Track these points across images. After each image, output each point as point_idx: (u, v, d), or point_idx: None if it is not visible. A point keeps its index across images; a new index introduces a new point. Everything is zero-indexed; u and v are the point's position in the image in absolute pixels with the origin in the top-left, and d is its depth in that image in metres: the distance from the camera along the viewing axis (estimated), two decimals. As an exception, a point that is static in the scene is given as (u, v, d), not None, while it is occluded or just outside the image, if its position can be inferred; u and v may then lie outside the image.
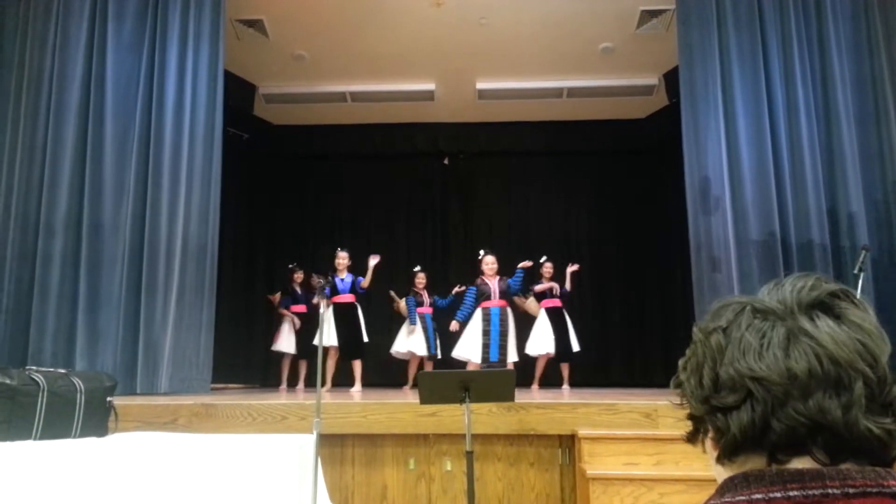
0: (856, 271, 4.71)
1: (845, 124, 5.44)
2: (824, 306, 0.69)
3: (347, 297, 6.93)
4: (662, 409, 4.00)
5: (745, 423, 0.66)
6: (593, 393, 5.84)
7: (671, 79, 7.63)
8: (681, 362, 0.78)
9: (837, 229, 5.36)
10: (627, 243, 9.49)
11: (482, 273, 6.94)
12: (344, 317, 6.86)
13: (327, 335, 6.73)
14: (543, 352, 7.28)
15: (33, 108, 5.59)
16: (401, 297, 7.79)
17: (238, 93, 8.29)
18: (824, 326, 0.67)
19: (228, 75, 6.75)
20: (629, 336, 9.41)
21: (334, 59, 7.94)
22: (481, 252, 7.11)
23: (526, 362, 7.17)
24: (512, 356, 6.77)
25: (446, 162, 9.92)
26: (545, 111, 9.02)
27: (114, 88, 5.66)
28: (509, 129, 9.42)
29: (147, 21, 5.82)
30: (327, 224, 9.86)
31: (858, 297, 0.72)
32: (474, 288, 6.93)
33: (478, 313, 6.77)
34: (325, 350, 6.68)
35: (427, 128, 9.53)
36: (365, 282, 6.93)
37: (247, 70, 8.21)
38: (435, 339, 7.60)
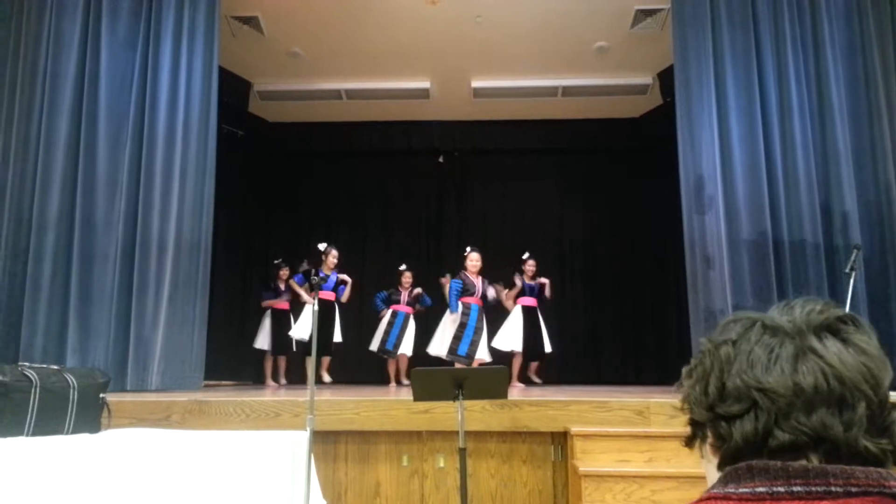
0: (847, 270, 4.73)
1: (839, 123, 5.46)
2: (832, 329, 0.71)
3: (330, 295, 6.97)
4: (654, 407, 4.02)
5: (749, 432, 0.68)
6: (586, 390, 5.85)
7: (665, 78, 7.65)
8: (685, 370, 0.80)
9: (830, 228, 5.38)
10: (621, 241, 9.52)
11: (465, 269, 6.98)
12: (322, 314, 6.87)
13: (304, 330, 6.76)
14: (509, 349, 7.23)
15: (27, 105, 5.57)
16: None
17: (233, 90, 8.28)
18: (832, 347, 0.69)
19: (223, 72, 6.74)
20: (622, 334, 9.44)
21: (330, 57, 7.94)
22: (468, 248, 7.14)
23: (496, 358, 7.13)
24: (483, 355, 6.79)
25: (441, 160, 9.92)
26: (540, 110, 9.03)
27: (108, 85, 5.64)
28: (504, 128, 9.43)
29: (141, 18, 5.81)
30: (322, 221, 9.86)
31: (864, 323, 0.73)
32: (459, 281, 6.93)
33: (458, 307, 6.79)
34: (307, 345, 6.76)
35: (422, 126, 9.53)
36: (345, 297, 7.19)
37: (242, 67, 8.20)
38: (400, 338, 7.59)
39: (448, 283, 7.19)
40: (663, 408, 3.99)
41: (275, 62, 8.07)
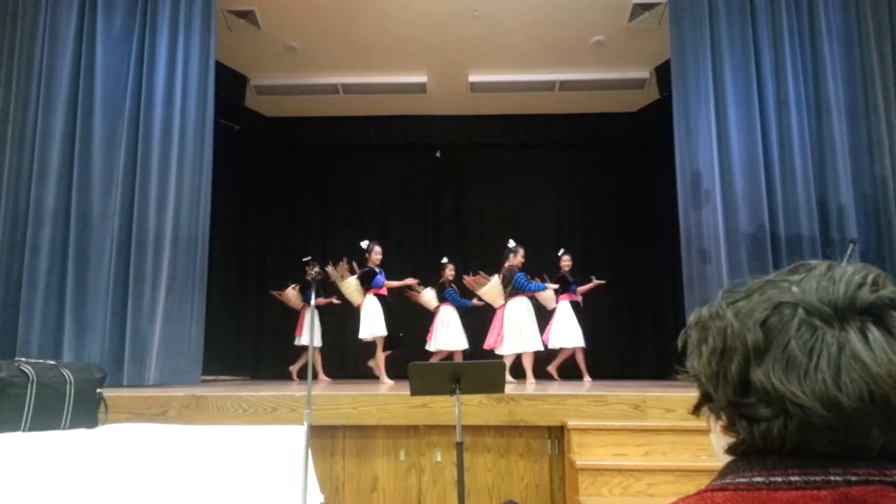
0: (843, 264, 4.74)
1: (835, 118, 5.47)
2: (877, 316, 0.62)
3: (383, 291, 6.82)
4: (651, 401, 4.03)
5: (774, 438, 0.62)
6: (582, 384, 5.87)
7: (663, 72, 7.64)
8: (694, 320, 0.72)
9: (827, 222, 5.40)
10: (618, 236, 9.52)
11: (513, 263, 6.83)
12: (385, 309, 6.74)
13: (379, 326, 6.55)
14: (573, 345, 7.23)
15: (23, 99, 5.55)
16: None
17: (229, 84, 8.25)
18: (878, 349, 0.60)
19: (219, 66, 6.72)
20: (619, 328, 9.44)
21: (326, 51, 7.91)
22: (513, 243, 6.98)
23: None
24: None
25: (438, 154, 9.91)
26: (537, 104, 9.02)
27: (103, 79, 5.63)
28: (501, 122, 9.42)
29: (137, 12, 5.79)
30: (319, 216, 9.85)
31: None
32: (523, 274, 6.78)
33: (528, 303, 6.68)
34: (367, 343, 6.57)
35: (419, 120, 9.51)
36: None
37: (238, 61, 8.17)
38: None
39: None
40: (660, 402, 4.00)
41: (271, 56, 8.04)
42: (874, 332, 0.61)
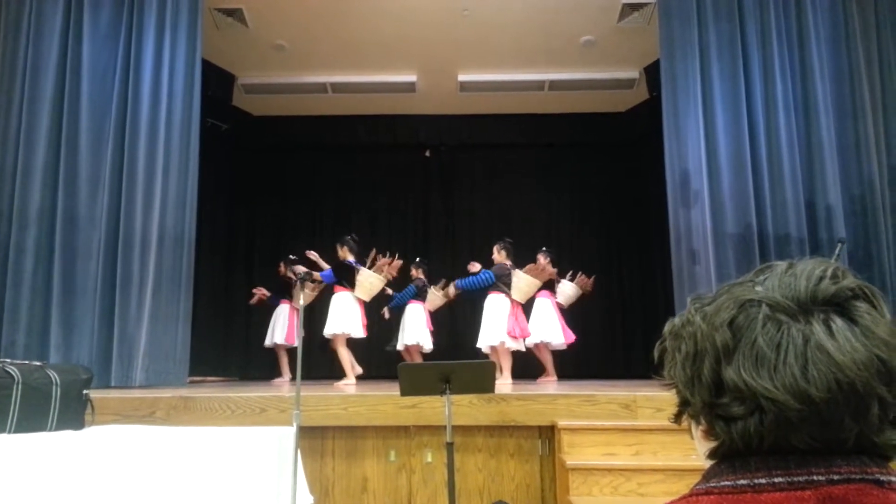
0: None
1: (823, 117, 5.50)
2: (840, 307, 0.63)
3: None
4: (641, 400, 4.03)
5: (751, 436, 0.63)
6: (573, 384, 5.87)
7: (652, 72, 7.67)
8: (669, 329, 0.74)
9: (815, 222, 5.42)
10: (608, 236, 9.55)
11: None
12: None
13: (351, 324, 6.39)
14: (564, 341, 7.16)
15: (7, 97, 5.48)
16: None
17: (217, 83, 8.20)
18: (842, 338, 0.61)
19: (207, 65, 6.67)
20: (609, 328, 9.46)
21: (315, 50, 7.88)
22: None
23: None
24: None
25: (428, 154, 9.90)
26: (527, 104, 9.02)
27: (89, 77, 5.57)
28: (491, 122, 9.41)
29: (124, 9, 5.74)
30: (307, 216, 9.81)
31: (878, 295, 0.65)
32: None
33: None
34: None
35: (408, 119, 9.49)
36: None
37: (226, 60, 8.11)
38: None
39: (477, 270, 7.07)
40: (650, 401, 4.01)
41: (259, 55, 7.99)
42: (837, 323, 0.62)
